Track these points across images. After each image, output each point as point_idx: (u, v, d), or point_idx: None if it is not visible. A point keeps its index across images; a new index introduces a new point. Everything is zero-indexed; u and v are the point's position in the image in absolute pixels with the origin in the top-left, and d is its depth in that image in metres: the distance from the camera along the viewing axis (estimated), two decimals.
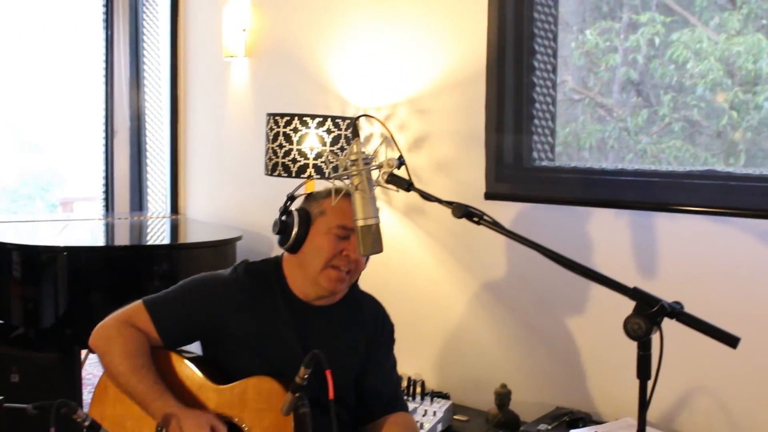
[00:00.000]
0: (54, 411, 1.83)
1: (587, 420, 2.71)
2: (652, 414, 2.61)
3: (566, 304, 2.93)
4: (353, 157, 1.85)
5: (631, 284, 1.61)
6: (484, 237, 3.13)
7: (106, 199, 6.46)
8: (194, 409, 1.99)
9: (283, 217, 2.11)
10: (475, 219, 1.80)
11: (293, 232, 2.08)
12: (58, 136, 7.73)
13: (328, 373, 1.69)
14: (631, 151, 3.10)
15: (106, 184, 6.46)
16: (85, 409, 1.96)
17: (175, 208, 5.53)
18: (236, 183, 4.65)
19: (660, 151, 3.01)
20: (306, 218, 2.10)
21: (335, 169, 1.90)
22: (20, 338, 3.89)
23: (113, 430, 1.98)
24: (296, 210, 2.12)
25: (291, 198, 2.15)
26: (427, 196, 1.89)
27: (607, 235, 2.80)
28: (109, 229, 4.91)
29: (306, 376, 1.77)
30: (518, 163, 3.02)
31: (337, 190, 1.98)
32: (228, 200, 4.82)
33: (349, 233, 2.05)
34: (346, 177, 1.87)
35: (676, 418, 2.67)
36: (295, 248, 2.10)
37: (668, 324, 1.56)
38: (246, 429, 1.97)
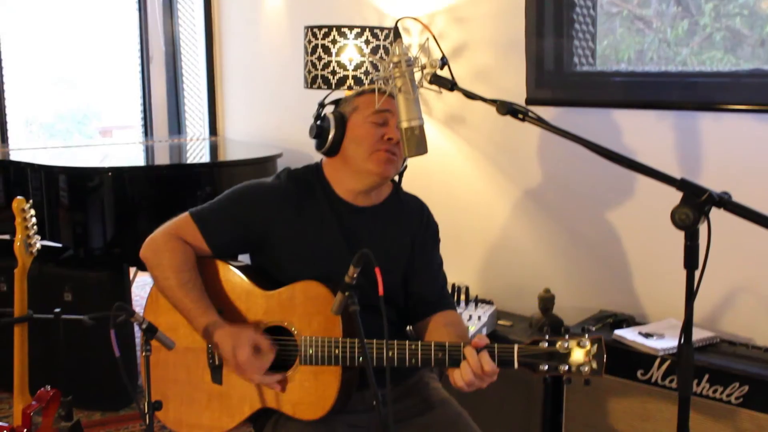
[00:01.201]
0: (112, 314, 1.89)
1: (631, 322, 2.73)
2: (695, 315, 2.63)
3: (609, 208, 2.92)
4: (396, 59, 1.84)
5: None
6: (525, 144, 3.13)
7: (145, 126, 6.51)
8: (237, 325, 2.03)
9: (318, 122, 2.12)
10: (520, 116, 1.79)
11: (330, 134, 2.09)
12: (92, 70, 7.74)
13: (378, 271, 1.70)
14: (671, 62, 3.03)
15: (144, 111, 6.50)
16: None
17: (213, 131, 5.57)
18: (274, 101, 4.66)
19: (701, 62, 2.94)
20: (341, 118, 2.11)
21: (377, 70, 1.89)
22: (71, 259, 3.99)
23: (167, 335, 2.03)
24: (330, 113, 2.12)
25: (322, 105, 2.16)
26: (470, 95, 1.87)
27: (650, 137, 2.77)
28: (150, 152, 4.96)
29: (355, 276, 1.78)
30: (559, 69, 2.99)
31: (381, 92, 1.97)
32: (266, 119, 4.83)
33: (385, 118, 2.06)
34: (388, 79, 1.87)
35: (720, 318, 2.68)
36: (334, 149, 2.11)
37: (715, 222, 1.55)
38: (295, 332, 2.01)
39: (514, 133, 3.16)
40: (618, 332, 2.56)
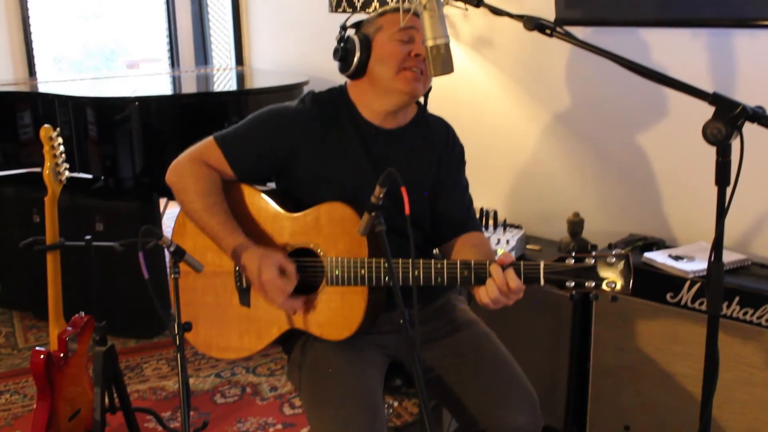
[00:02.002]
0: (140, 237, 1.90)
1: (661, 245, 2.70)
2: (726, 237, 2.59)
3: (640, 130, 2.87)
4: None
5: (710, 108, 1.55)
6: (553, 65, 3.07)
7: (171, 58, 6.49)
8: (264, 247, 2.03)
9: (342, 44, 2.09)
10: (548, 31, 1.74)
11: (355, 56, 2.06)
12: (118, 4, 7.70)
13: (404, 190, 1.69)
14: None
15: (170, 43, 6.48)
16: None
17: (240, 60, 5.53)
18: (300, 28, 4.60)
19: None
20: (365, 40, 2.07)
21: None
22: (102, 189, 4.03)
23: None
24: (353, 35, 2.09)
25: (344, 27, 2.12)
26: (497, 11, 1.83)
27: (683, 56, 2.69)
28: (177, 82, 4.95)
29: (381, 195, 1.77)
30: None
31: (406, 10, 1.93)
32: (293, 46, 4.79)
33: (411, 35, 2.02)
34: None
35: (752, 241, 2.65)
36: (360, 71, 2.08)
37: (748, 139, 1.52)
38: (321, 253, 2.01)
39: (543, 55, 3.10)
40: (647, 255, 2.53)
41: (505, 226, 2.96)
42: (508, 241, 2.82)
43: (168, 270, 1.97)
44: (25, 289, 4.06)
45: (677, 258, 2.47)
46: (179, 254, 1.94)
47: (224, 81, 4.79)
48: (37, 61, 6.02)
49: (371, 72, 2.07)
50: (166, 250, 1.93)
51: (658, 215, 2.84)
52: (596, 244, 2.85)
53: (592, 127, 3.02)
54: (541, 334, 2.77)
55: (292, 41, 4.82)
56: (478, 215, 2.97)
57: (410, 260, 1.88)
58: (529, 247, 2.97)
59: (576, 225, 2.83)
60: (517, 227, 2.99)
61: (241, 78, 4.89)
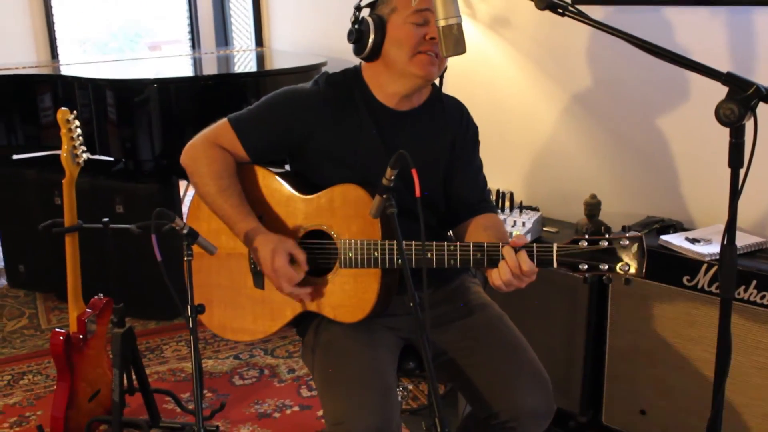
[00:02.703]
0: (153, 220, 1.91)
1: (678, 227, 2.67)
2: (744, 220, 2.57)
3: (657, 111, 2.84)
4: None
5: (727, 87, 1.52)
6: (571, 46, 3.04)
7: (192, 39, 6.51)
8: (276, 233, 2.03)
9: (356, 26, 2.07)
10: (560, 10, 1.72)
11: (370, 39, 2.04)
12: None
13: (414, 172, 1.68)
14: None
15: (191, 24, 6.49)
16: None
17: (260, 41, 5.53)
18: (318, 9, 4.59)
19: None
20: (379, 21, 2.04)
21: None
22: (122, 171, 4.06)
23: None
24: (368, 16, 2.07)
25: (358, 8, 2.10)
26: None
27: (702, 34, 2.65)
28: (197, 63, 4.96)
29: (393, 177, 1.76)
30: None
31: None
32: (312, 28, 4.78)
33: (426, 17, 2.00)
34: None
35: None
36: (374, 53, 2.06)
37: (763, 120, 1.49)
38: (335, 235, 2.02)
39: (560, 34, 3.07)
40: (664, 237, 2.51)
41: (521, 207, 2.94)
42: (524, 223, 2.81)
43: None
44: (48, 270, 4.10)
45: (694, 241, 2.45)
46: (192, 237, 1.96)
47: (243, 62, 4.80)
48: (61, 43, 6.07)
49: (386, 54, 2.05)
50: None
51: (675, 197, 2.82)
52: (611, 226, 2.81)
53: (610, 107, 2.99)
54: (557, 316, 2.76)
55: (310, 22, 4.81)
56: (494, 197, 2.98)
57: (423, 241, 1.88)
58: (545, 229, 2.95)
59: (593, 207, 2.81)
60: (534, 209, 2.98)
61: (260, 59, 4.89)
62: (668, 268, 2.46)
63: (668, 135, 2.83)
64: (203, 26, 6.48)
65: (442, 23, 1.78)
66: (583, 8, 2.77)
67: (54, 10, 5.94)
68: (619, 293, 2.60)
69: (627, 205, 2.95)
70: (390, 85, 2.09)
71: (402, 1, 2.04)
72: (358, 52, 2.09)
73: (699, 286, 2.40)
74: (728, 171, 1.54)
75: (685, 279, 2.43)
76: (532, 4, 1.74)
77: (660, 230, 2.65)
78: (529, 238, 2.81)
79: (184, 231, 1.94)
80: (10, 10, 5.75)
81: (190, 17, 6.50)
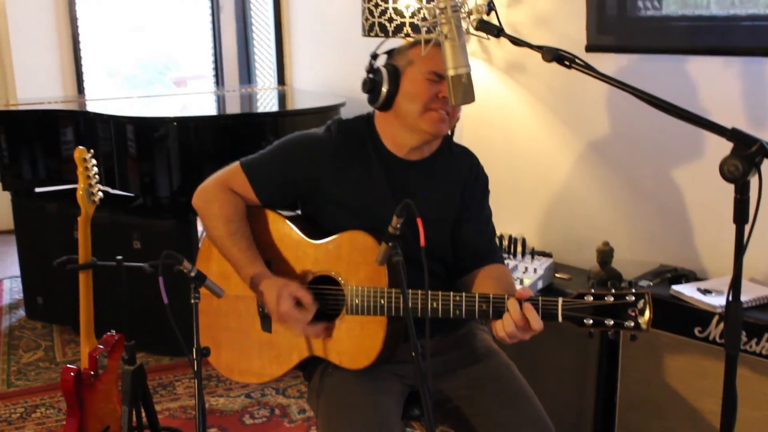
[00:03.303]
0: (161, 261, 1.93)
1: (691, 277, 2.65)
2: (756, 269, 2.55)
3: (672, 159, 2.83)
4: (441, 5, 1.80)
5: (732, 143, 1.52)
6: (585, 93, 3.05)
7: (216, 75, 6.59)
8: (282, 277, 2.04)
9: (371, 75, 2.09)
10: (566, 63, 1.74)
11: (383, 89, 2.06)
12: (167, 20, 7.85)
13: (419, 221, 1.69)
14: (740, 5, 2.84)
15: (215, 60, 6.58)
16: None
17: (281, 80, 5.59)
18: (339, 50, 4.64)
19: None
20: (394, 72, 2.06)
21: (424, 18, 1.85)
22: (140, 207, 4.09)
23: (218, 283, 2.06)
24: (383, 66, 2.09)
25: (374, 56, 2.12)
26: (516, 41, 1.83)
27: (716, 84, 2.66)
28: (220, 101, 5.02)
29: (399, 226, 1.77)
30: (622, 14, 2.88)
31: (427, 40, 1.93)
32: (332, 68, 4.82)
33: (440, 77, 2.01)
34: (434, 26, 1.84)
35: None
36: (387, 104, 2.07)
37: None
38: (342, 282, 2.02)
39: (576, 82, 3.08)
40: (675, 287, 2.49)
41: (533, 253, 2.93)
42: (536, 269, 2.80)
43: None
44: (66, 303, 4.13)
45: (706, 291, 2.43)
46: (200, 280, 1.97)
47: (264, 101, 4.85)
48: (90, 74, 6.18)
49: (398, 106, 2.07)
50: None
51: (688, 246, 2.80)
52: (624, 274, 2.81)
53: (625, 155, 2.99)
54: (568, 365, 2.74)
55: (330, 62, 4.85)
56: (506, 242, 2.97)
57: (427, 292, 1.88)
58: (558, 275, 2.94)
59: (605, 254, 2.80)
60: (547, 255, 2.97)
61: (281, 98, 4.94)
62: (679, 318, 2.44)
63: (682, 184, 2.82)
64: (227, 63, 6.58)
65: (451, 72, 1.80)
66: (597, 56, 2.85)
67: (85, 43, 6.05)
68: (630, 343, 2.58)
69: (640, 252, 2.93)
70: (400, 137, 2.11)
71: (418, 55, 2.04)
72: (371, 101, 2.11)
73: (710, 338, 2.38)
74: None
75: (696, 330, 2.41)
76: None
77: (672, 279, 2.63)
78: (540, 284, 2.79)
79: (192, 274, 1.95)
80: (38, 44, 5.87)
81: (215, 54, 6.59)
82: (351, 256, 2.03)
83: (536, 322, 1.80)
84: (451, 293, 1.90)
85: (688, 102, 2.68)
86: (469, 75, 1.81)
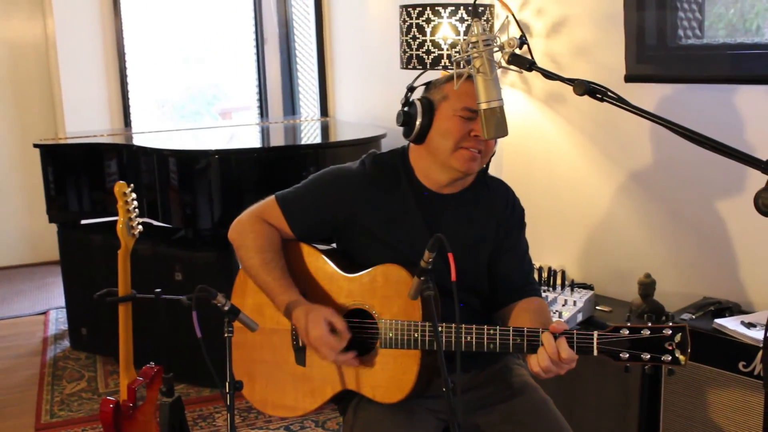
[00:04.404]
0: (194, 296, 1.94)
1: (735, 310, 2.59)
2: None
3: (715, 190, 2.78)
4: (473, 39, 1.80)
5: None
6: (625, 123, 3.02)
7: (261, 107, 6.67)
8: (316, 304, 2.03)
9: (405, 108, 2.09)
10: (599, 96, 1.72)
11: (417, 122, 2.06)
12: (215, 53, 7.98)
13: (450, 256, 1.68)
14: None
15: (260, 92, 6.66)
16: None
17: (324, 111, 5.63)
18: (380, 82, 4.66)
19: None
20: (429, 106, 2.06)
21: (457, 52, 1.86)
22: (182, 239, 4.13)
23: (253, 317, 2.06)
24: (418, 99, 2.09)
25: (411, 89, 2.12)
26: (548, 75, 1.81)
27: (757, 113, 2.61)
28: (263, 133, 5.07)
29: (431, 260, 1.76)
30: (662, 43, 2.84)
31: (459, 75, 1.93)
32: (374, 100, 4.85)
33: (474, 115, 2.00)
34: (467, 60, 1.83)
35: None
36: (420, 138, 2.07)
37: None
38: (376, 315, 2.01)
39: (615, 112, 2.99)
40: (719, 321, 2.43)
41: (573, 286, 2.89)
42: (575, 302, 2.76)
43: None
44: (109, 334, 4.16)
45: (750, 325, 2.37)
46: (233, 314, 1.97)
47: (307, 133, 4.88)
48: (140, 105, 6.29)
49: (430, 141, 2.07)
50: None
51: (733, 278, 2.73)
52: (666, 307, 2.75)
53: (666, 185, 2.94)
54: (609, 401, 2.68)
55: (372, 94, 4.88)
56: (545, 275, 2.94)
57: (462, 326, 1.87)
58: (599, 308, 2.90)
59: (647, 287, 2.75)
60: (588, 287, 2.92)
61: (324, 130, 4.97)
62: (723, 352, 2.38)
63: (726, 214, 2.76)
64: (271, 95, 6.65)
65: (483, 106, 1.79)
66: (636, 87, 2.82)
67: (135, 75, 6.17)
68: (672, 378, 2.52)
69: (683, 285, 2.87)
70: (431, 171, 2.11)
71: (453, 90, 2.04)
72: (405, 134, 2.11)
73: (756, 373, 2.31)
74: None
75: (740, 365, 2.34)
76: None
77: (715, 312, 2.57)
78: (580, 317, 2.75)
79: (226, 308, 1.96)
80: (87, 77, 6.00)
81: (259, 85, 6.67)
82: (385, 290, 2.02)
83: (570, 357, 1.77)
84: (485, 327, 1.88)
85: (732, 132, 2.64)
86: (501, 108, 1.80)
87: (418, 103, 2.08)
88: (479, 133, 1.97)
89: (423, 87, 2.16)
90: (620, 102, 1.71)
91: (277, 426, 3.56)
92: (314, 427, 3.55)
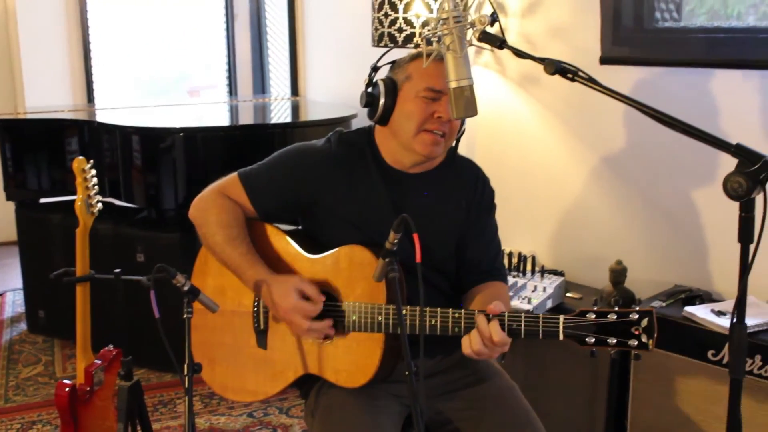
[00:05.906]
0: (153, 276, 1.87)
1: (705, 298, 2.55)
2: (764, 290, 2.45)
3: (689, 177, 2.74)
4: (444, 16, 1.76)
5: (762, 150, 1.47)
6: (601, 106, 2.97)
7: (230, 85, 6.56)
8: (283, 275, 1.98)
9: (369, 89, 2.03)
10: (569, 75, 1.68)
11: (380, 103, 2.00)
12: (183, 30, 7.85)
13: (416, 237, 1.63)
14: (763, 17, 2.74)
15: (229, 70, 6.55)
16: None
17: (295, 90, 5.54)
18: (352, 61, 4.59)
19: None
20: (392, 87, 2.00)
21: (428, 30, 1.80)
22: (145, 220, 4.03)
23: (214, 298, 1.99)
24: (381, 80, 2.03)
25: (375, 68, 2.07)
26: (519, 53, 1.77)
27: (734, 98, 2.57)
28: (231, 111, 4.97)
29: (396, 241, 1.71)
30: (638, 25, 2.79)
31: (429, 53, 1.87)
32: (345, 79, 4.77)
33: (438, 95, 1.95)
34: (437, 37, 1.78)
35: None
36: (384, 119, 2.02)
37: None
38: (340, 297, 1.95)
39: (591, 95, 2.95)
40: (688, 309, 2.39)
41: (543, 272, 2.85)
42: (545, 288, 2.71)
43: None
44: (68, 317, 4.06)
45: (719, 313, 2.33)
46: (193, 294, 1.90)
47: (277, 112, 4.79)
48: (106, 82, 6.15)
49: (393, 122, 2.01)
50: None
51: (704, 266, 2.70)
52: (637, 294, 2.71)
53: (640, 171, 2.90)
54: (578, 388, 2.65)
55: (343, 73, 4.80)
56: (515, 260, 2.89)
57: (426, 309, 1.82)
58: (569, 294, 2.86)
59: (618, 273, 2.70)
60: (559, 273, 2.88)
61: (294, 109, 4.88)
62: (692, 341, 2.35)
63: (699, 202, 2.73)
64: (241, 73, 6.54)
65: (453, 84, 1.75)
66: (611, 69, 2.77)
67: (101, 51, 6.01)
68: (641, 366, 2.49)
69: (654, 272, 2.84)
70: (397, 153, 2.06)
71: (417, 69, 1.99)
72: (369, 115, 2.06)
73: (724, 362, 2.28)
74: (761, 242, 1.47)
75: (709, 353, 2.31)
76: None
77: (686, 300, 2.53)
78: (550, 303, 2.71)
79: (185, 288, 1.89)
80: (48, 50, 5.83)
81: (229, 63, 6.56)
82: (349, 272, 1.97)
83: (502, 340, 1.74)
84: (450, 310, 1.83)
85: (706, 116, 2.60)
86: (471, 88, 1.77)
87: (381, 84, 2.02)
88: (443, 115, 1.93)
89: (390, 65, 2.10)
90: (590, 82, 1.67)
91: (240, 412, 3.49)
92: (278, 413, 3.49)
